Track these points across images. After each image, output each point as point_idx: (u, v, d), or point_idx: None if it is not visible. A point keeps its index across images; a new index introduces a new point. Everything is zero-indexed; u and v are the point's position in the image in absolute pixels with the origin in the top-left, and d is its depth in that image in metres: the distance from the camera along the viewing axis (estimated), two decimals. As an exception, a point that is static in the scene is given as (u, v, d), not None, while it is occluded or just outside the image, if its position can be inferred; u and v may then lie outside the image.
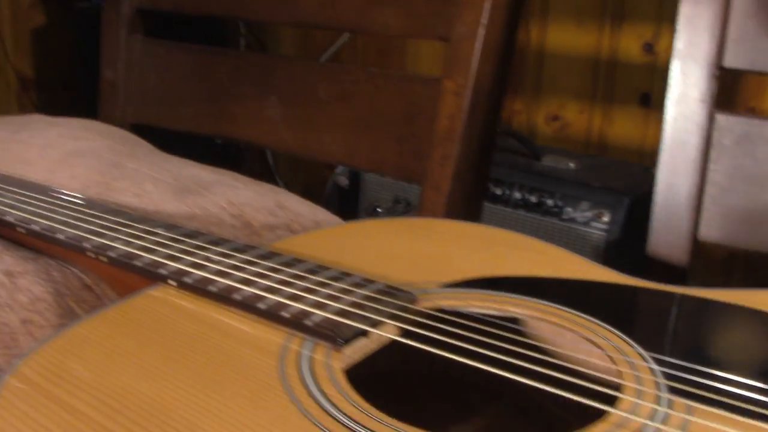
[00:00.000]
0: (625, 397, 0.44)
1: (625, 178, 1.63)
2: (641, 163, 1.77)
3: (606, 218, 1.53)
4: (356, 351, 0.49)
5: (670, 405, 0.43)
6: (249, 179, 0.84)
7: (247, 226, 0.74)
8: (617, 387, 0.46)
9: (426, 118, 0.95)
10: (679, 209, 0.80)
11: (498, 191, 1.65)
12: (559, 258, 0.65)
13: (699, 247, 0.82)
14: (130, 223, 0.64)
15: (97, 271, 0.61)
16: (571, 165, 1.66)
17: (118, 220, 0.64)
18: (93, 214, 0.65)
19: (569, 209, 1.57)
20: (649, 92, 1.89)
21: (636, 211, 1.50)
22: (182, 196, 0.74)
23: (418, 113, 0.96)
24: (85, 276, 0.62)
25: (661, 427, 0.41)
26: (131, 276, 0.57)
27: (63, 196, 0.69)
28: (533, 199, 1.62)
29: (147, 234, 0.61)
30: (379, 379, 0.54)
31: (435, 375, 0.61)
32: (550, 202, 1.60)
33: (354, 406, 0.41)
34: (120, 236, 0.60)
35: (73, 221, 0.63)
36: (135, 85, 1.20)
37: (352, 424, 0.39)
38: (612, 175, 1.64)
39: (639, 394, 0.44)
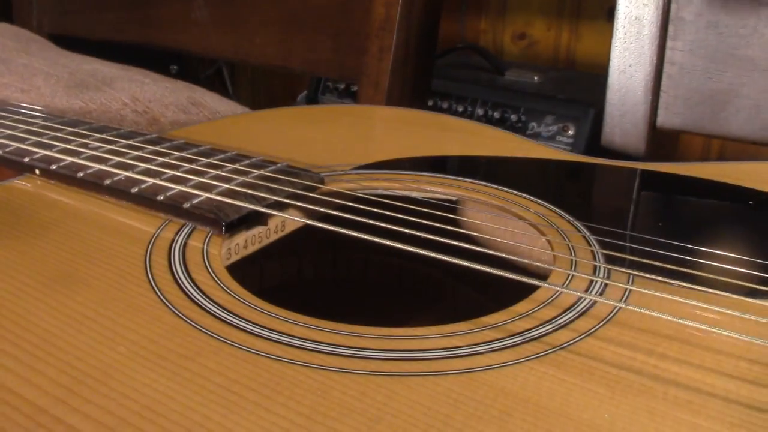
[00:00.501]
0: (559, 270, 0.37)
1: (591, 90, 1.56)
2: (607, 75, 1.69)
3: (571, 131, 1.46)
4: (244, 240, 0.42)
5: (609, 275, 0.36)
6: (162, 76, 0.75)
7: (154, 123, 0.66)
8: (549, 261, 0.39)
9: (362, 9, 0.86)
10: (634, 93, 0.72)
11: (460, 108, 1.57)
12: (498, 138, 0.58)
13: (656, 136, 0.75)
14: (4, 114, 0.55)
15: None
16: (536, 78, 1.59)
17: (-9, 112, 0.55)
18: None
19: (533, 124, 1.50)
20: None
21: (602, 122, 1.43)
22: (77, 90, 0.65)
23: (354, 4, 0.87)
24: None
25: (598, 299, 0.34)
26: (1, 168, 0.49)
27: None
28: (496, 114, 1.54)
29: (18, 123, 0.53)
30: (268, 276, 0.47)
31: (336, 272, 0.54)
32: (513, 117, 1.53)
33: (229, 293, 0.34)
34: (-14, 127, 0.52)
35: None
36: (50, -9, 1.09)
37: (221, 312, 0.32)
38: (577, 87, 1.57)
39: (574, 265, 0.38)
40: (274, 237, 0.45)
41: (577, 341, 0.31)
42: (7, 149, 0.48)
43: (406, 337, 0.31)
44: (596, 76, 1.73)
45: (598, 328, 0.32)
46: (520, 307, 0.34)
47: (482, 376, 0.29)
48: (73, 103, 0.63)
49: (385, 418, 0.26)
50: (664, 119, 0.73)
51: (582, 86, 1.61)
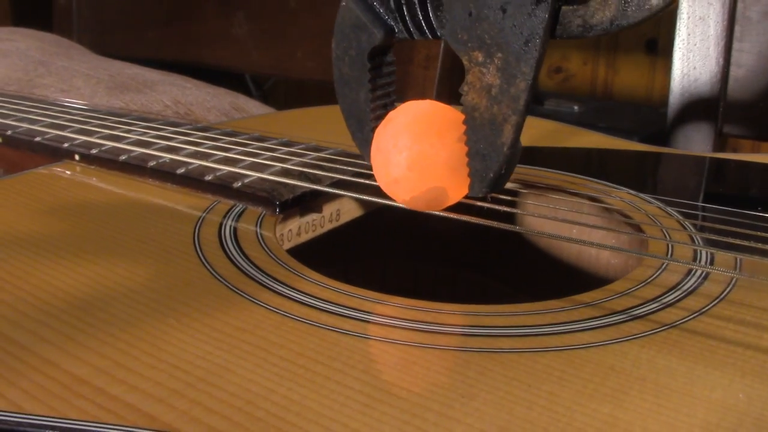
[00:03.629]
0: (657, 241, 0.33)
1: (633, 118, 1.52)
2: (649, 105, 1.66)
3: (613, 160, 1.42)
4: (298, 227, 0.38)
5: (712, 259, 0.32)
6: (204, 83, 0.73)
7: (196, 126, 0.63)
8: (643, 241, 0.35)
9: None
10: (699, 97, 0.69)
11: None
12: (553, 130, 0.54)
13: (723, 145, 0.71)
14: (47, 106, 0.53)
15: (0, 160, 0.50)
16: (576, 108, 1.55)
17: (34, 104, 0.53)
18: (5, 101, 0.54)
19: (574, 152, 1.46)
20: (655, 38, 1.78)
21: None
22: (118, 92, 0.63)
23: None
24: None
25: (709, 269, 0.30)
26: (35, 159, 0.46)
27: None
28: (535, 143, 1.52)
29: (61, 113, 0.50)
30: (328, 259, 0.44)
31: (400, 258, 0.51)
32: (553, 146, 1.50)
33: (287, 269, 0.31)
34: (27, 116, 0.50)
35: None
36: (90, 9, 1.08)
37: (280, 287, 0.29)
38: (617, 116, 1.54)
39: (670, 239, 0.34)
40: (328, 226, 0.41)
41: (689, 320, 0.27)
42: (47, 136, 0.45)
43: (492, 313, 0.27)
44: (636, 105, 1.69)
45: (711, 307, 0.28)
46: (618, 285, 0.30)
47: (585, 354, 0.25)
48: (113, 103, 0.61)
49: (480, 394, 0.22)
50: (731, 126, 0.69)
51: (623, 115, 1.57)
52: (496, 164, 0.30)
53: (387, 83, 0.35)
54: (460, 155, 0.31)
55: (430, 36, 0.32)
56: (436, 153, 0.31)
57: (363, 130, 0.35)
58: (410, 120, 0.31)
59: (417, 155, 0.31)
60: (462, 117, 0.30)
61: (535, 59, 0.28)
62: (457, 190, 0.32)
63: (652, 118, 1.52)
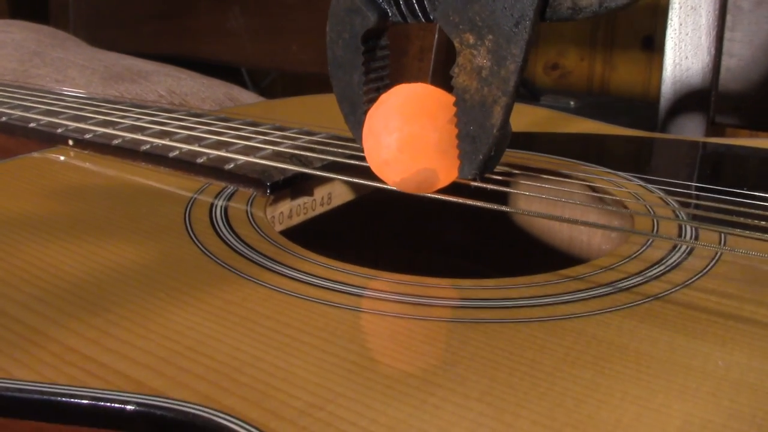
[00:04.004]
0: (642, 217, 0.33)
1: (629, 114, 1.53)
2: (646, 102, 1.66)
3: (609, 154, 1.43)
4: (289, 210, 0.39)
5: (697, 235, 0.33)
6: (198, 74, 0.74)
7: (190, 115, 0.63)
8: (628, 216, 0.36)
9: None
10: (691, 87, 0.69)
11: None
12: (549, 117, 0.54)
13: (715, 133, 0.71)
14: (42, 94, 0.53)
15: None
16: (572, 103, 1.56)
17: (29, 93, 0.54)
18: (3, 90, 0.55)
19: (569, 147, 1.47)
20: (651, 35, 1.78)
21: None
22: (113, 82, 0.63)
23: (393, 6, 0.85)
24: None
25: (696, 243, 0.31)
26: (29, 145, 0.46)
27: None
28: (532, 138, 1.52)
29: (56, 101, 0.51)
30: (316, 239, 0.44)
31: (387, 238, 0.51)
32: (549, 140, 1.51)
33: (277, 246, 0.31)
34: (22, 103, 0.50)
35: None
36: (87, 4, 1.09)
37: (269, 263, 0.29)
38: (614, 112, 1.54)
39: (654, 218, 0.34)
40: (320, 209, 0.42)
41: (673, 292, 0.28)
42: (41, 122, 0.46)
43: (474, 287, 0.28)
44: (633, 102, 1.69)
45: (694, 280, 0.28)
46: (603, 261, 0.30)
47: (568, 324, 0.25)
48: (108, 93, 0.61)
49: (462, 361, 0.23)
50: (723, 115, 0.70)
51: (619, 110, 1.57)
52: (485, 146, 0.30)
53: (380, 67, 0.35)
54: (450, 137, 0.31)
55: (423, 19, 0.33)
56: (426, 135, 0.31)
57: (356, 113, 0.35)
58: (402, 102, 0.32)
59: (408, 137, 0.31)
60: (453, 99, 0.30)
61: (525, 41, 0.28)
62: (447, 172, 0.32)
63: (649, 114, 1.53)
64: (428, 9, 0.32)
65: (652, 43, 1.82)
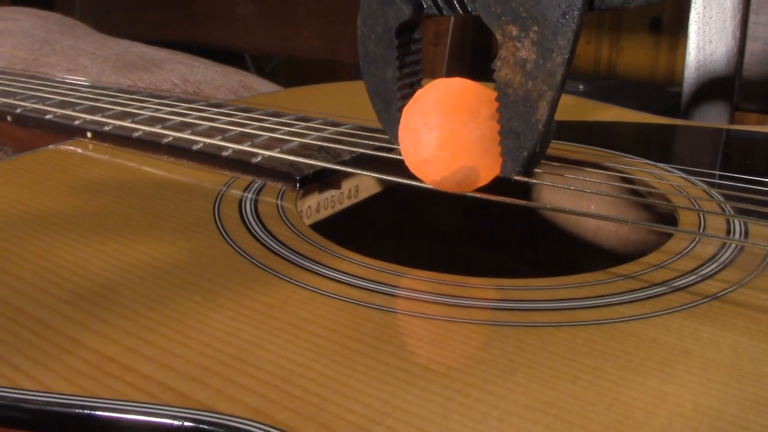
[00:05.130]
0: (688, 214, 0.32)
1: (639, 97, 1.51)
2: (654, 84, 1.65)
3: (619, 139, 1.41)
4: (317, 204, 0.37)
5: (746, 230, 0.32)
6: (212, 62, 0.72)
7: (205, 104, 0.62)
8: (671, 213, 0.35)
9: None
10: (715, 72, 0.67)
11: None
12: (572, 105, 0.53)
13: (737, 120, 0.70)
14: (56, 84, 0.52)
15: (8, 138, 0.49)
16: (581, 87, 1.54)
17: (43, 83, 0.52)
18: (13, 80, 0.53)
19: (581, 131, 1.45)
20: (659, 17, 1.76)
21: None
22: (126, 70, 0.62)
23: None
24: (-4, 148, 0.50)
25: (745, 241, 0.29)
26: (45, 138, 0.45)
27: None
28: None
29: (71, 91, 0.49)
30: (350, 234, 0.43)
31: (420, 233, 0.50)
32: (558, 124, 1.49)
33: (312, 244, 0.30)
34: (36, 94, 0.49)
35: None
36: (92, -10, 1.07)
37: (306, 263, 0.28)
38: (623, 95, 1.52)
39: (701, 212, 0.33)
40: (347, 202, 0.40)
41: (730, 291, 0.26)
42: (58, 114, 0.44)
43: (525, 287, 0.27)
44: (641, 84, 1.68)
45: (751, 278, 0.27)
46: (653, 258, 0.29)
47: (627, 327, 0.24)
48: (121, 82, 0.60)
49: (521, 369, 0.22)
50: (747, 100, 0.68)
51: (627, 94, 1.56)
52: (530, 142, 0.29)
53: (414, 61, 0.34)
54: (492, 133, 0.30)
55: (460, 11, 0.31)
56: (468, 131, 0.30)
57: (390, 110, 0.34)
58: (440, 97, 0.30)
59: (449, 134, 0.30)
60: (494, 94, 0.29)
61: (573, 32, 0.27)
62: (488, 169, 0.31)
63: (658, 96, 1.51)
64: (466, 0, 0.31)
65: (660, 26, 1.80)
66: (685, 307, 0.25)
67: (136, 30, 1.07)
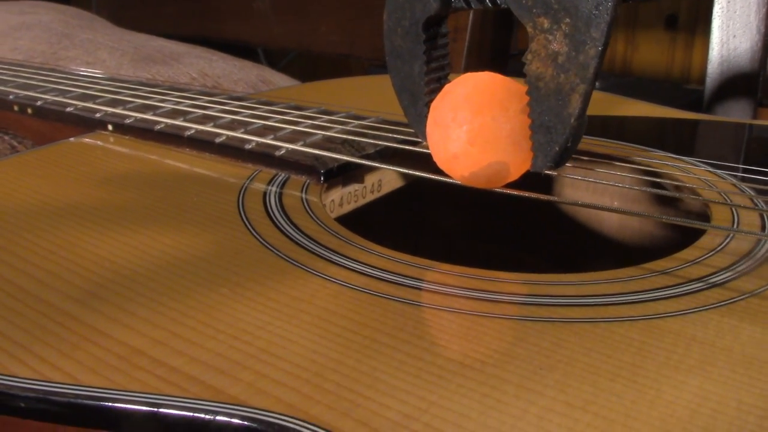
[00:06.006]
0: (720, 209, 0.32)
1: (656, 94, 1.50)
2: (670, 81, 1.63)
3: (636, 137, 1.40)
4: (340, 198, 0.37)
5: (782, 225, 0.31)
6: (230, 56, 0.72)
7: (223, 98, 0.62)
8: (704, 210, 0.34)
9: (434, -10, 0.81)
10: (739, 67, 0.67)
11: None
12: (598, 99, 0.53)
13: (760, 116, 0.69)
14: (75, 77, 0.52)
15: (28, 131, 0.49)
16: (596, 84, 1.53)
17: (63, 76, 0.52)
18: (33, 73, 0.53)
19: (595, 129, 1.45)
20: (675, 14, 1.75)
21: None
22: (144, 64, 0.61)
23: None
24: (16, 141, 0.50)
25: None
26: (64, 130, 0.45)
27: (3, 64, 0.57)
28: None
29: (91, 84, 0.49)
30: (374, 228, 0.43)
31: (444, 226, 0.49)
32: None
33: (339, 238, 0.29)
34: (56, 87, 0.48)
35: (2, 78, 0.51)
36: (108, -16, 1.07)
37: (334, 256, 0.28)
38: (639, 92, 1.51)
39: (733, 207, 0.32)
40: (370, 197, 0.40)
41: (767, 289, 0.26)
42: (78, 106, 0.44)
43: (559, 282, 0.26)
44: (657, 81, 1.66)
45: (790, 275, 0.27)
46: (687, 254, 0.28)
47: (664, 324, 0.23)
48: (140, 75, 0.60)
49: (558, 366, 0.21)
50: (770, 96, 0.67)
51: (646, 92, 1.55)
52: (561, 137, 0.28)
53: (441, 55, 0.33)
54: (523, 128, 0.29)
55: (489, 4, 0.30)
56: (498, 126, 0.29)
57: (417, 105, 0.33)
58: (470, 92, 0.30)
59: (479, 129, 0.29)
60: (524, 88, 0.29)
61: (607, 23, 0.26)
62: (519, 165, 0.30)
63: (673, 93, 1.50)
64: (496, -7, 0.30)
65: (676, 23, 1.78)
66: (722, 303, 0.25)
67: (151, 23, 1.07)
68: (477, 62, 0.79)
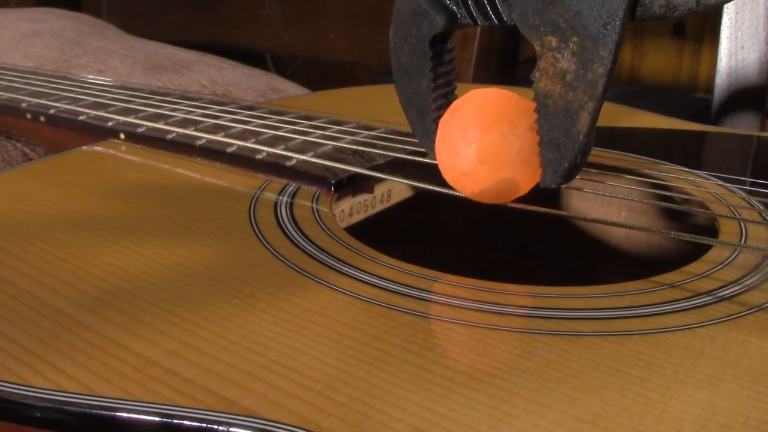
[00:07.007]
0: (728, 223, 0.32)
1: (662, 103, 1.50)
2: (677, 89, 1.63)
3: (644, 145, 1.40)
4: (350, 208, 0.37)
5: (790, 239, 0.31)
6: (240, 64, 0.72)
7: (233, 106, 0.62)
8: (711, 221, 0.34)
9: None
10: (747, 77, 0.67)
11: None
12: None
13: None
14: (87, 85, 0.52)
15: (40, 139, 0.50)
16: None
17: (74, 83, 0.52)
18: (45, 81, 0.54)
19: (603, 138, 1.44)
20: (683, 22, 1.75)
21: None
22: (155, 72, 0.62)
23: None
24: (28, 148, 0.51)
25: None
26: (76, 139, 0.45)
27: (9, 70, 0.58)
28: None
29: (103, 92, 0.50)
30: (384, 240, 0.43)
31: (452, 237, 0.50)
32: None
33: (351, 249, 0.30)
34: (68, 95, 0.49)
35: (15, 86, 0.52)
36: (119, -9, 1.08)
37: (346, 268, 0.28)
38: (646, 100, 1.51)
39: (741, 221, 0.32)
40: (379, 207, 0.40)
41: (776, 303, 0.26)
42: (90, 115, 0.44)
43: (565, 295, 0.26)
44: (664, 90, 1.66)
45: (798, 290, 0.27)
46: (695, 267, 0.29)
47: (672, 337, 0.24)
48: (151, 83, 0.60)
49: (567, 379, 0.21)
50: (778, 106, 0.67)
51: (654, 100, 1.55)
52: (570, 153, 0.29)
53: (448, 71, 0.33)
54: (531, 145, 0.29)
55: (496, 21, 0.31)
56: (508, 144, 0.29)
57: (424, 121, 0.33)
58: (478, 109, 0.30)
59: (488, 146, 0.29)
60: (532, 105, 0.29)
61: (615, 42, 0.27)
62: (528, 180, 0.30)
63: (681, 102, 1.50)
64: (502, 10, 0.30)
65: (683, 31, 1.78)
66: (730, 317, 0.25)
67: (162, 31, 1.07)
68: (485, 70, 0.80)
